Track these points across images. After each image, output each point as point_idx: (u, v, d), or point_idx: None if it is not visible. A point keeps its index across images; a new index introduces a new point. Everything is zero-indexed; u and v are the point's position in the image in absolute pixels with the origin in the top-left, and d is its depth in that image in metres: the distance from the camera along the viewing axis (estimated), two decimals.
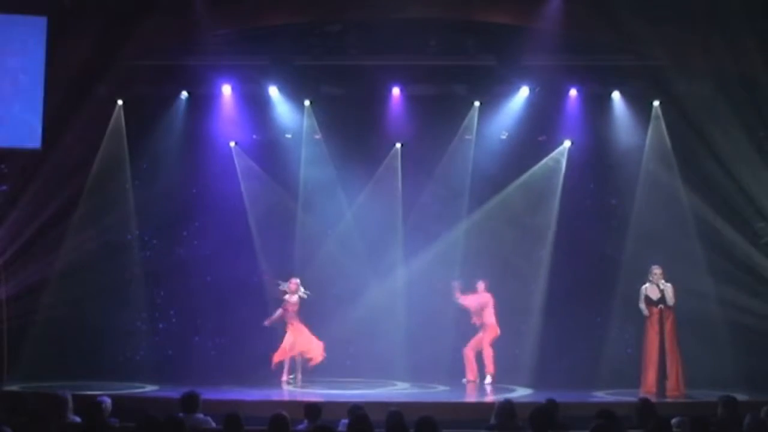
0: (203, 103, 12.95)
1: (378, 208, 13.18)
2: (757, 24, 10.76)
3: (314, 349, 11.96)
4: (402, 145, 13.30)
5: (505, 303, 12.63)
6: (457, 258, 12.95)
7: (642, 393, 10.44)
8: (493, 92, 12.86)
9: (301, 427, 6.99)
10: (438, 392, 11.49)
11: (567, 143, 13.05)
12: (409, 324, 12.54)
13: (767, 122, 11.47)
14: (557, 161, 13.05)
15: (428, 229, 13.14)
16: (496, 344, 12.37)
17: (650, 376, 10.88)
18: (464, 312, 12.48)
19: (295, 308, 11.99)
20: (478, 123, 12.99)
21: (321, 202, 13.23)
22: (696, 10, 10.86)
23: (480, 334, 12.25)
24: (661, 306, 10.89)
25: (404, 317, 12.60)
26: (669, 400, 10.45)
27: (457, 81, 12.94)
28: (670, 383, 10.74)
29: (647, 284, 11.00)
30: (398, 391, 11.36)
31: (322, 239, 13.24)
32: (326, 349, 12.36)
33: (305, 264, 13.03)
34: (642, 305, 11.02)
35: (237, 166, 13.16)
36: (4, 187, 11.83)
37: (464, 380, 12.17)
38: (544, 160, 13.13)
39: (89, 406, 6.75)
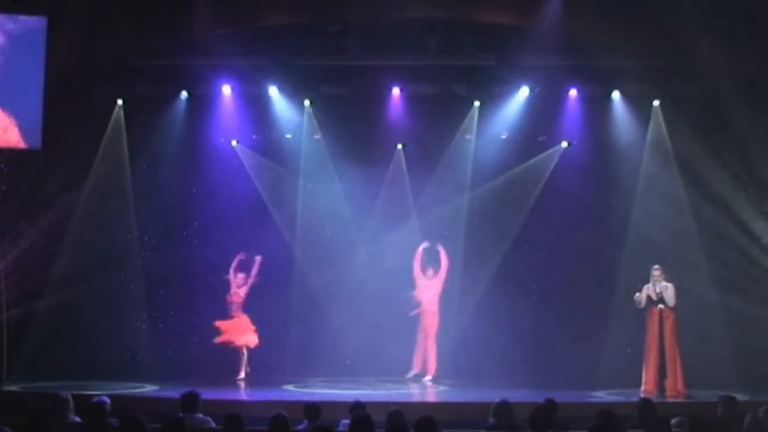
0: (203, 103, 12.95)
1: (377, 208, 13.20)
2: (756, 24, 10.76)
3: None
4: (403, 145, 13.31)
5: (505, 303, 12.64)
6: (458, 259, 12.95)
7: (642, 393, 10.44)
8: (493, 92, 12.86)
9: (301, 427, 7.00)
10: (438, 392, 11.49)
11: (564, 144, 13.05)
12: (410, 323, 12.51)
13: (767, 122, 11.47)
14: (545, 162, 13.06)
15: (428, 230, 13.15)
16: (495, 344, 12.41)
17: (650, 376, 10.87)
18: (464, 311, 12.49)
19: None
20: (478, 123, 13.00)
21: (321, 201, 13.21)
22: (696, 10, 10.86)
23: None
24: (660, 306, 10.89)
25: (404, 317, 12.56)
26: (669, 400, 10.44)
27: (457, 81, 12.94)
28: (670, 383, 10.74)
29: (649, 284, 10.98)
30: (398, 391, 11.36)
31: (323, 239, 13.23)
32: (327, 348, 12.42)
33: (306, 264, 13.04)
34: (637, 295, 10.99)
35: (244, 163, 13.15)
36: (4, 187, 11.82)
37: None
38: (533, 160, 13.14)
39: (89, 406, 6.75)
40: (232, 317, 12.04)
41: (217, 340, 11.92)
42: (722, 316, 11.87)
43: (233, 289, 12.09)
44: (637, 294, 10.97)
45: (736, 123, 11.47)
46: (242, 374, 11.97)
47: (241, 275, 12.12)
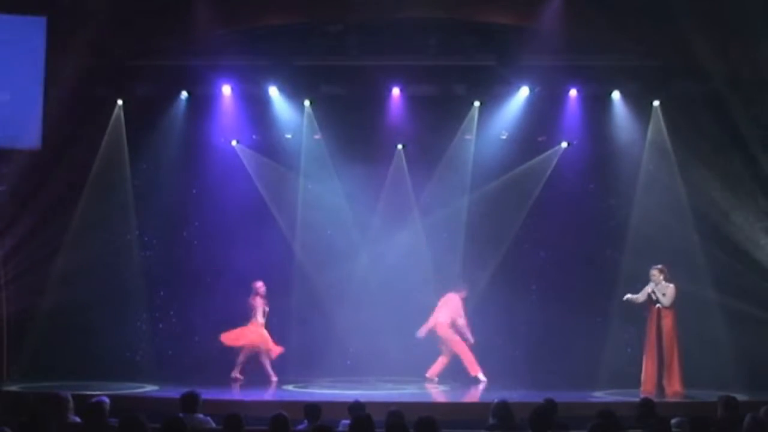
0: (203, 103, 12.94)
1: (378, 208, 13.21)
2: (756, 23, 10.76)
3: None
4: (404, 145, 13.32)
5: (505, 303, 12.64)
6: (458, 260, 12.96)
7: (642, 393, 10.44)
8: (493, 92, 12.85)
9: (301, 427, 7.00)
10: (438, 392, 11.49)
11: (563, 144, 13.06)
12: (410, 324, 12.51)
13: (766, 121, 11.47)
14: (545, 162, 13.06)
15: (428, 230, 13.16)
16: (495, 344, 12.42)
17: (648, 376, 10.89)
18: (465, 310, 12.53)
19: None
20: (478, 123, 12.99)
21: (322, 201, 13.21)
22: (696, 10, 10.86)
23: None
24: (658, 305, 10.91)
25: (405, 317, 12.57)
26: (669, 399, 10.44)
27: (457, 81, 12.92)
28: (668, 383, 10.74)
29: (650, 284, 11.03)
30: (398, 391, 11.36)
31: (324, 239, 13.23)
32: (327, 348, 12.42)
33: (306, 264, 13.04)
34: (632, 295, 11.06)
35: (244, 163, 13.15)
36: (4, 187, 11.83)
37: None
38: (533, 160, 13.14)
39: (89, 406, 6.75)
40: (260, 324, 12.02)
41: (244, 343, 11.93)
42: (722, 316, 11.86)
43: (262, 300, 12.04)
44: (628, 295, 11.05)
45: (736, 123, 11.47)
46: (237, 373, 11.96)
47: (259, 284, 12.06)
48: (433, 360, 12.30)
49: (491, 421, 6.75)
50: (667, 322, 10.88)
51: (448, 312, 12.18)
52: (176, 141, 12.89)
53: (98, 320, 12.36)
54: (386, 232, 13.13)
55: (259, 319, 12.00)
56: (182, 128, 12.89)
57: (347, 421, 6.56)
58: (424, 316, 12.44)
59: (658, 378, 10.82)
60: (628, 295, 11.14)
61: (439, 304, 12.27)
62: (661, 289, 10.93)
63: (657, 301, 10.90)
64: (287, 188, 13.28)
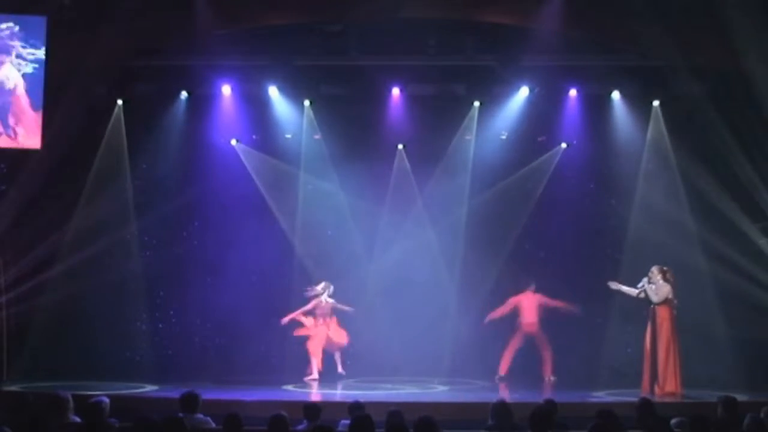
0: (203, 103, 12.94)
1: (378, 207, 13.21)
2: (756, 23, 10.76)
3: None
4: (404, 145, 13.32)
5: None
6: (458, 261, 12.96)
7: (642, 393, 10.43)
8: (493, 92, 12.85)
9: (300, 427, 7.00)
10: (438, 392, 11.49)
11: (563, 145, 13.06)
12: (410, 323, 12.52)
13: (767, 122, 11.47)
14: (546, 162, 13.07)
15: (428, 230, 13.16)
16: (495, 344, 12.43)
17: (645, 375, 10.90)
18: (466, 310, 12.51)
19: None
20: (478, 123, 12.99)
21: (321, 202, 13.22)
22: (696, 10, 10.86)
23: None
24: (652, 305, 10.93)
25: (405, 317, 12.58)
26: (665, 399, 10.41)
27: (457, 81, 12.94)
28: (661, 382, 10.72)
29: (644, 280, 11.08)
30: (398, 391, 11.36)
31: (323, 239, 13.24)
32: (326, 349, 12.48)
33: (307, 264, 13.04)
34: (622, 286, 11.13)
35: (245, 163, 13.14)
36: (4, 187, 11.83)
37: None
38: (533, 161, 13.15)
39: (89, 406, 6.75)
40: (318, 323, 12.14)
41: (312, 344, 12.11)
42: (722, 315, 11.86)
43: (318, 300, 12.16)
44: (617, 285, 11.16)
45: (736, 123, 11.47)
46: (315, 374, 11.96)
47: (324, 284, 12.23)
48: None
49: (490, 421, 6.75)
50: (663, 321, 10.86)
51: (537, 311, 12.26)
52: (176, 141, 12.88)
53: (98, 320, 12.37)
54: (387, 233, 13.13)
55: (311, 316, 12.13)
56: (182, 128, 12.89)
57: (347, 421, 6.56)
58: (425, 316, 12.47)
59: (652, 377, 10.82)
60: (617, 285, 11.16)
61: (522, 304, 12.30)
62: (656, 287, 10.92)
63: (647, 297, 10.92)
64: (287, 188, 13.28)
